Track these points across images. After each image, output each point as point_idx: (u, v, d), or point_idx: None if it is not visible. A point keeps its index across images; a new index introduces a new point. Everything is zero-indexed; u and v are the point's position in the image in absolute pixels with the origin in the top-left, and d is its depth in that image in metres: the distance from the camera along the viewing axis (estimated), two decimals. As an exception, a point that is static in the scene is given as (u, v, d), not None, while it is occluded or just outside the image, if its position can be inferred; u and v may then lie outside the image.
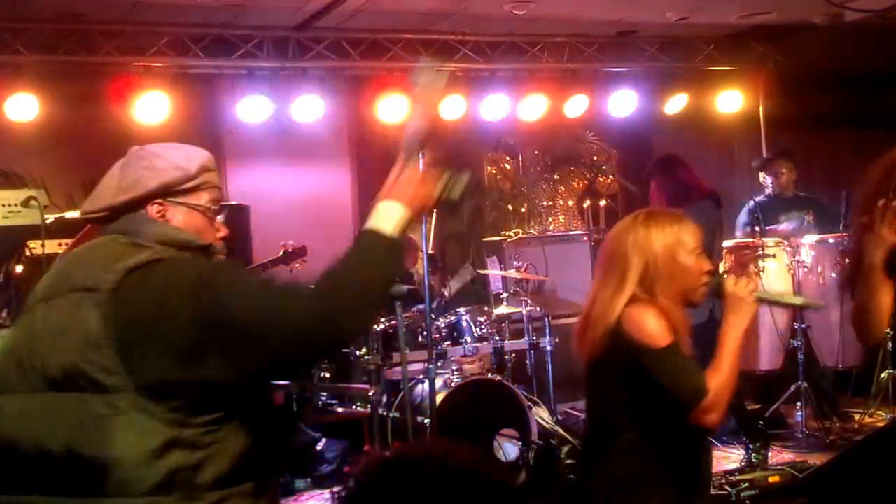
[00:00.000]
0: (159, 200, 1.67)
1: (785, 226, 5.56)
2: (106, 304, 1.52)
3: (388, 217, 1.60)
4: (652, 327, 2.16)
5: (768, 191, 5.82)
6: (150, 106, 5.32)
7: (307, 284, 1.54)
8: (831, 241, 5.36)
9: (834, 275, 5.29)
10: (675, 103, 6.60)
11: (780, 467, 4.30)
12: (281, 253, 5.05)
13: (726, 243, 5.48)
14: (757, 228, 5.35)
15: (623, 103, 6.48)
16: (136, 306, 1.52)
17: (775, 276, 5.26)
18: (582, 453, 2.52)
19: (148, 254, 1.59)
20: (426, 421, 4.40)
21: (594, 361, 2.28)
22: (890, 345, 5.22)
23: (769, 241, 5.33)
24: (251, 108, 5.65)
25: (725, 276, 5.18)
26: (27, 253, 5.02)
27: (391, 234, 1.59)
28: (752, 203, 5.67)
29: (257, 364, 1.52)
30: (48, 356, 1.56)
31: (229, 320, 1.49)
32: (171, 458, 1.50)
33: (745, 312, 2.24)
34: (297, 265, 5.06)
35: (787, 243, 5.38)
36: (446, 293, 5.53)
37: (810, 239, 5.42)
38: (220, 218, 1.76)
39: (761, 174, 6.09)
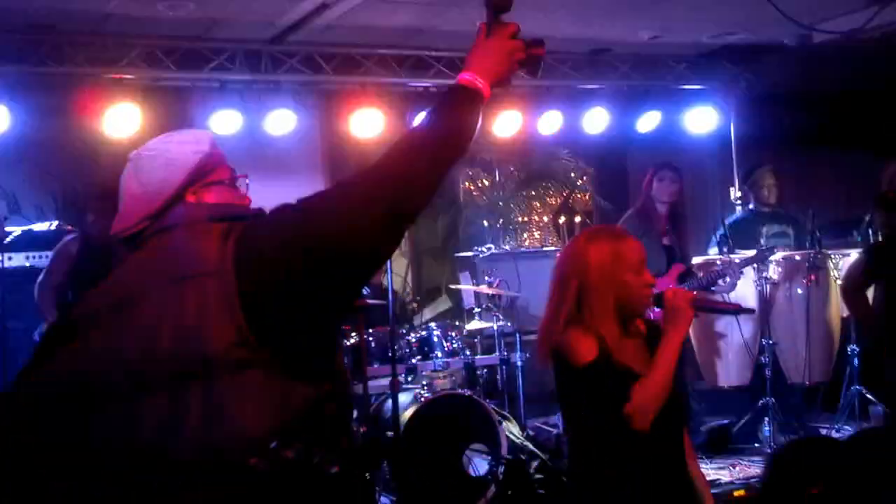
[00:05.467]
0: (192, 188, 1.66)
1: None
2: (220, 277, 1.50)
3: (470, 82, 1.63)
4: (576, 347, 2.29)
5: (750, 206, 5.87)
6: (122, 118, 5.28)
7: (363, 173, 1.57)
8: (798, 257, 5.41)
9: (800, 291, 5.33)
10: (648, 121, 6.66)
11: (746, 482, 4.32)
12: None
13: (695, 259, 5.52)
14: (725, 247, 5.39)
15: (596, 120, 6.53)
16: (246, 268, 1.51)
17: (742, 290, 5.30)
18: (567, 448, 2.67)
19: (223, 226, 1.58)
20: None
21: (553, 372, 2.42)
22: (856, 361, 5.31)
23: (737, 258, 5.37)
24: (223, 121, 5.63)
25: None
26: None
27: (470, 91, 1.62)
28: (734, 217, 5.75)
29: (348, 264, 1.53)
30: (161, 353, 1.49)
31: (315, 238, 1.51)
32: (318, 412, 1.52)
33: (682, 323, 2.31)
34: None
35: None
36: (417, 321, 5.50)
37: (777, 255, 5.47)
38: (246, 183, 1.76)
39: (733, 190, 6.15)
